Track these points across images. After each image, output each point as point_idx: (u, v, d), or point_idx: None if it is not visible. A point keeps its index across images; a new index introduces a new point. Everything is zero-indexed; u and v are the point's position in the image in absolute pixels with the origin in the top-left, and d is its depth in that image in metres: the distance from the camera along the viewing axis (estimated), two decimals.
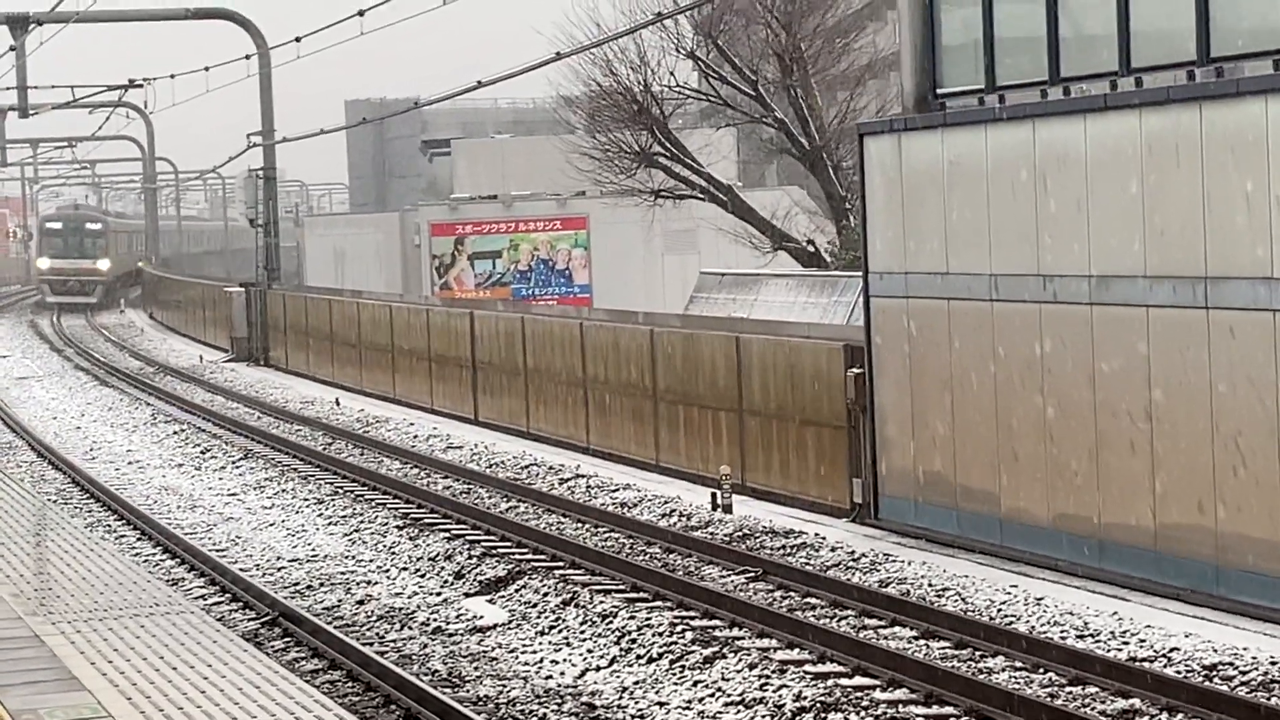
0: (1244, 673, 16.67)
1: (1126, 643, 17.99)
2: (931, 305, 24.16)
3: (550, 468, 31.89)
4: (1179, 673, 16.75)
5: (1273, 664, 16.81)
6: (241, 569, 24.19)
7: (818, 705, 16.41)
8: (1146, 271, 20.51)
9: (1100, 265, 21.21)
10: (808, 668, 17.78)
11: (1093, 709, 16.03)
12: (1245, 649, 17.44)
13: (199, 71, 57.27)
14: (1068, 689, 16.76)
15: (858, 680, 17.31)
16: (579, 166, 55.31)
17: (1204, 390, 19.74)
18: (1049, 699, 16.26)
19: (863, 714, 16.21)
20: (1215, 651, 17.41)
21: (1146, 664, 17.09)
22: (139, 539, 27.12)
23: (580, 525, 26.47)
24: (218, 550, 25.82)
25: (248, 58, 55.18)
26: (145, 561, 24.93)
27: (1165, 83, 20.68)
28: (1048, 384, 22.08)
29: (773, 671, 17.62)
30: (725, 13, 52.58)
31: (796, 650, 18.47)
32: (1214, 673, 16.78)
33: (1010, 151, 22.65)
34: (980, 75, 24.06)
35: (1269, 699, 15.78)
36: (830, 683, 17.18)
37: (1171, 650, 17.58)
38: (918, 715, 16.31)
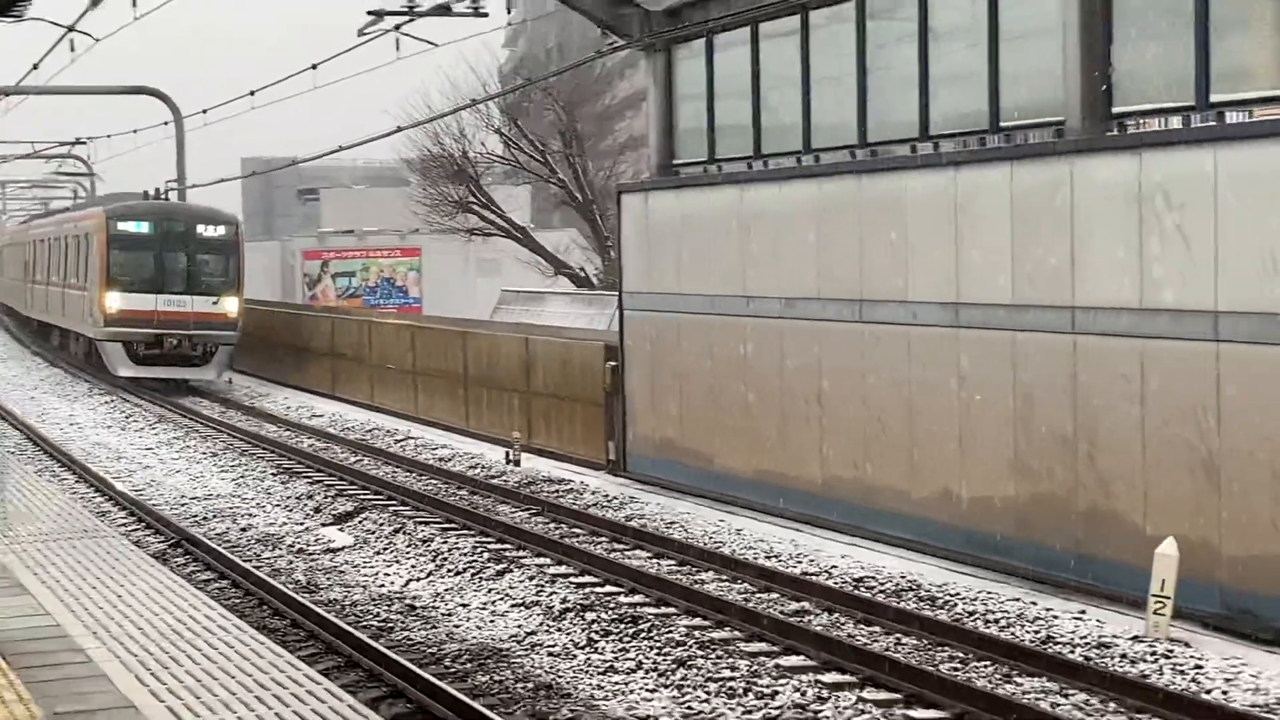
0: (882, 584, 17.00)
1: (800, 562, 18.25)
2: (668, 317, 24.34)
3: (388, 431, 31.66)
4: (837, 583, 17.04)
5: (903, 577, 17.14)
6: (154, 504, 23.76)
7: (578, 606, 16.47)
8: (820, 295, 20.82)
9: (787, 290, 21.50)
10: (572, 579, 17.84)
11: (775, 609, 16.26)
12: (884, 567, 17.77)
13: (129, 133, 56.13)
14: (758, 595, 16.97)
15: (608, 589, 17.39)
16: (414, 211, 55.21)
17: (859, 381, 20.08)
18: (744, 601, 16.45)
19: (610, 613, 16.30)
20: (863, 569, 17.71)
21: (814, 577, 17.35)
22: (76, 481, 26.50)
23: (409, 473, 26.31)
24: (136, 490, 25.33)
25: (166, 124, 54.12)
26: (80, 498, 24.39)
27: (835, 159, 21.02)
28: (749, 376, 22.33)
29: (546, 582, 17.66)
30: (524, 100, 52.69)
31: (564, 567, 18.51)
32: (861, 584, 17.08)
33: (725, 207, 22.88)
34: (705, 151, 24.29)
35: (898, 602, 16.12)
36: (588, 590, 17.25)
37: (832, 567, 17.85)
38: (649, 613, 16.42)
